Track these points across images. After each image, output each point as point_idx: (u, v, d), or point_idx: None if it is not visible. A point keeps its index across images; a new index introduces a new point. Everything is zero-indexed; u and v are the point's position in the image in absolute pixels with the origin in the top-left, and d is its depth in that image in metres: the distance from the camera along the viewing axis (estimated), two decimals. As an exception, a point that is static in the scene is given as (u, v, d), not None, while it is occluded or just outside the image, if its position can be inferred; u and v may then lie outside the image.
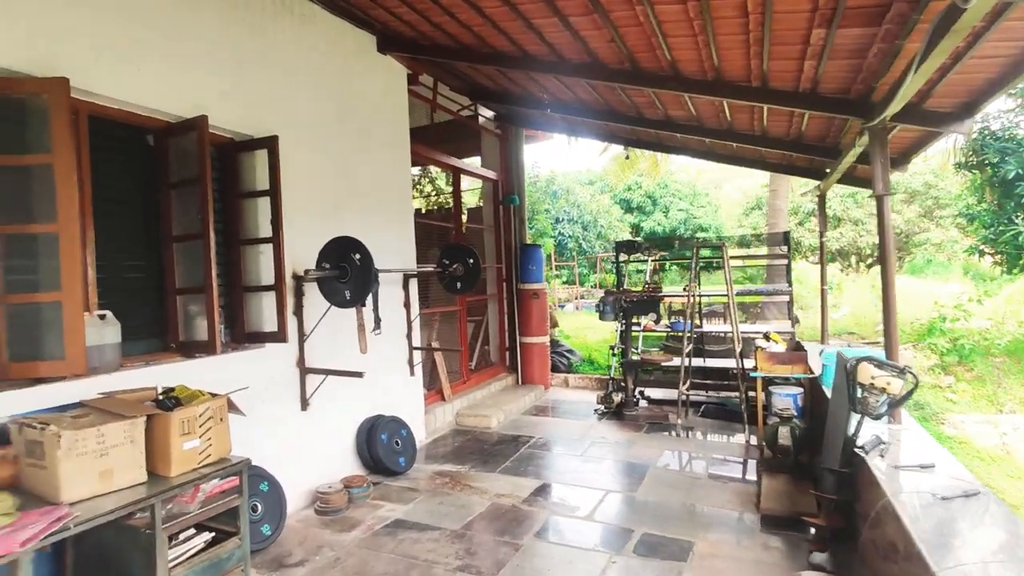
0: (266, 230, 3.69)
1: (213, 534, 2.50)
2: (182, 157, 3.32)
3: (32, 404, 2.46)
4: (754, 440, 5.13)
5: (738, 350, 5.31)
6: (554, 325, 8.72)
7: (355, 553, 3.27)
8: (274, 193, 3.56)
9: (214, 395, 2.54)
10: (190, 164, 3.24)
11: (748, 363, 5.38)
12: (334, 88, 4.43)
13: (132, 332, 3.12)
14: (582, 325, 12.79)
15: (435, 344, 6.00)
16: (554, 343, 8.19)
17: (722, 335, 6.79)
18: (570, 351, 8.49)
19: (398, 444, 4.56)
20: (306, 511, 3.85)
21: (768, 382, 5.04)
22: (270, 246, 3.65)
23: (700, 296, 6.26)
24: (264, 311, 3.74)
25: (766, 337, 5.23)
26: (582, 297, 17.70)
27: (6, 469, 2.14)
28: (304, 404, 3.94)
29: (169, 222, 3.33)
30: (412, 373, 5.18)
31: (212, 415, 2.46)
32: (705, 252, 7.23)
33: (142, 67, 3.04)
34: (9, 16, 2.50)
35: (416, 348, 5.21)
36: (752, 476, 4.40)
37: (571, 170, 24.82)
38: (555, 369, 7.89)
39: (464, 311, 6.57)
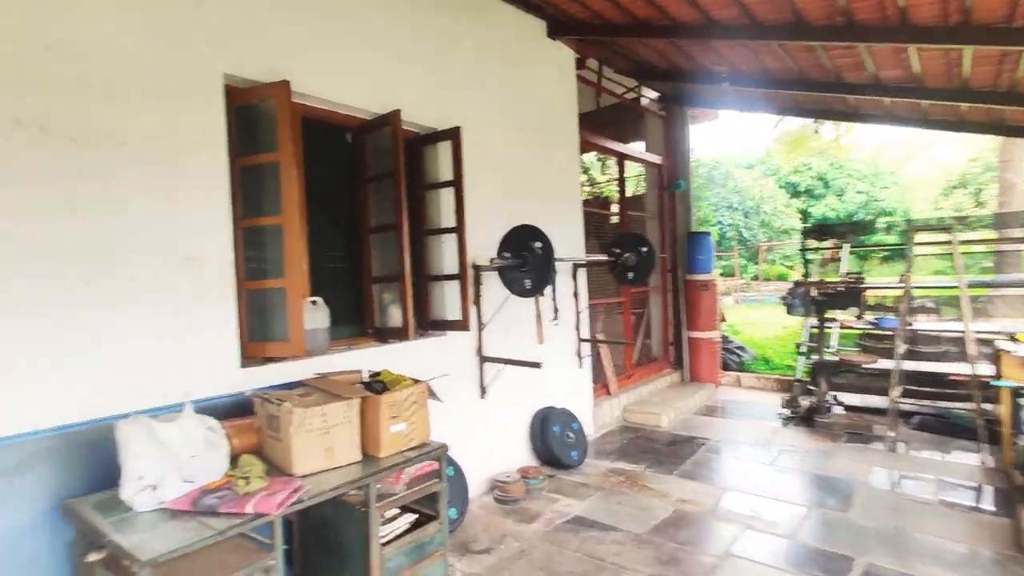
0: (448, 220, 3.77)
1: (416, 516, 2.56)
2: (376, 152, 3.49)
3: (263, 381, 2.71)
4: (993, 462, 4.24)
5: (972, 353, 4.41)
6: (722, 319, 8.07)
7: (539, 547, 3.21)
8: (457, 184, 3.61)
9: (416, 381, 2.60)
10: (384, 159, 3.39)
11: (983, 369, 4.45)
12: (507, 77, 4.42)
13: (334, 318, 3.33)
14: (745, 320, 11.85)
15: (600, 336, 5.82)
16: (723, 339, 7.58)
17: (937, 334, 5.74)
18: (741, 348, 7.81)
19: (570, 437, 4.46)
20: (485, 498, 3.89)
21: (1016, 393, 4.12)
22: (451, 236, 3.72)
23: (914, 288, 5.32)
24: (446, 299, 3.83)
25: (1012, 338, 4.27)
26: (743, 290, 16.40)
27: (253, 436, 2.35)
28: (482, 392, 3.99)
29: (366, 214, 3.53)
30: (580, 365, 5.06)
31: (415, 400, 2.51)
32: (892, 238, 6.15)
33: (343, 67, 3.23)
34: (247, 31, 2.75)
35: (584, 340, 5.07)
36: (992, 506, 3.62)
37: (730, 153, 23.05)
38: (724, 367, 7.30)
39: (628, 302, 6.30)
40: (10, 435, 1.98)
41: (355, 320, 3.61)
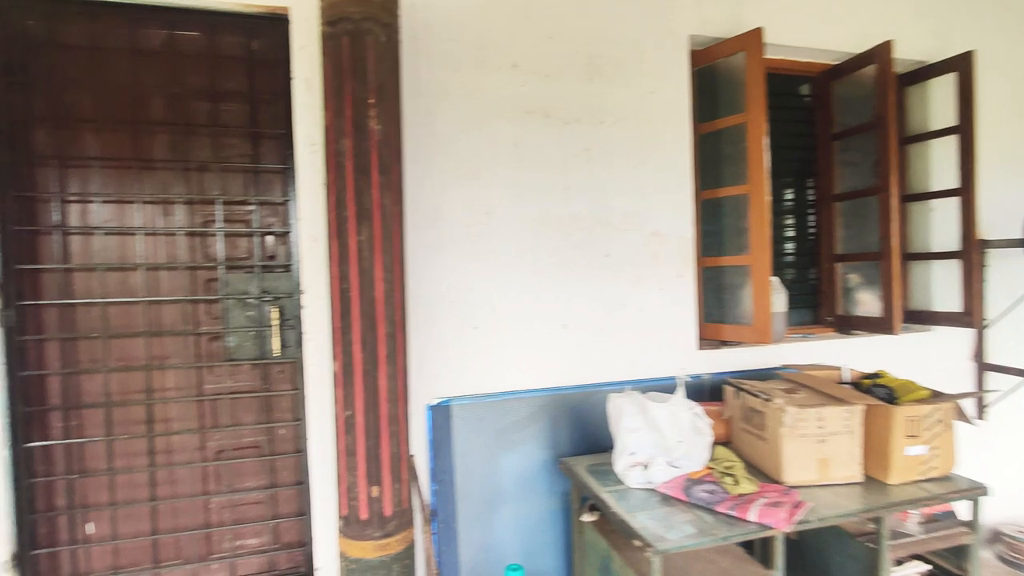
0: (940, 181, 2.87)
1: (930, 568, 1.96)
2: (844, 102, 2.87)
3: (719, 366, 2.52)
4: None
5: None
6: None
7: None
8: (965, 129, 2.67)
9: (937, 393, 1.96)
10: (856, 108, 2.76)
11: None
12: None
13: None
14: None
15: None
16: None
17: None
18: None
19: None
20: (983, 552, 2.90)
21: None
22: (945, 201, 2.83)
23: None
24: (931, 284, 2.95)
25: None
26: None
27: (721, 426, 2.16)
28: (979, 411, 2.97)
29: (828, 179, 2.95)
30: None
31: (941, 419, 1.89)
32: None
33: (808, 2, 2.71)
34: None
35: None
36: None
37: None
38: None
39: None
40: (522, 390, 2.25)
41: (806, 304, 3.10)
